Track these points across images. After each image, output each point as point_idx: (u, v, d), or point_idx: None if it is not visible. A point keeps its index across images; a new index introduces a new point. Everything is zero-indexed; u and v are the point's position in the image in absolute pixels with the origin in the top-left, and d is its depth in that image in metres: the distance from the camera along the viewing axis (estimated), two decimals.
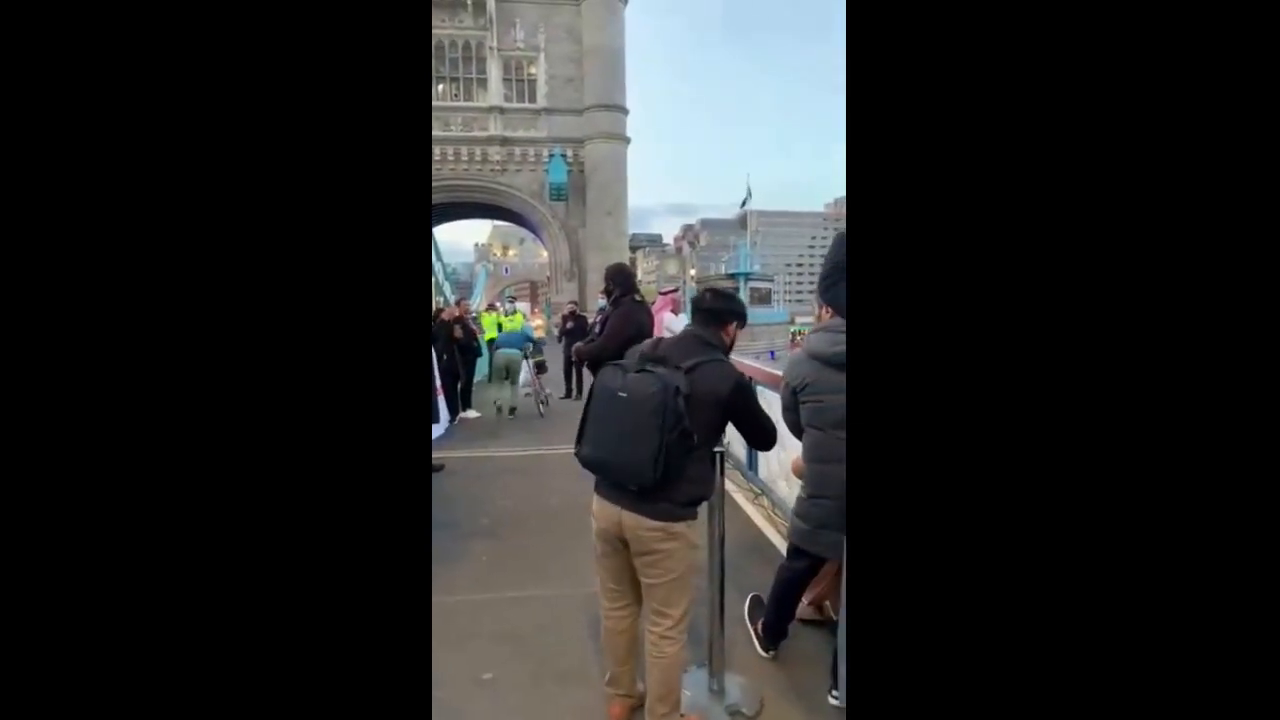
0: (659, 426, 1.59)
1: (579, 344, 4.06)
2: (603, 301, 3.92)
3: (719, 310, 1.88)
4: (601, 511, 1.79)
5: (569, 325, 8.47)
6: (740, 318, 1.92)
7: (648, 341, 1.93)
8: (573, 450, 1.78)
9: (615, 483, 1.72)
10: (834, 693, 1.97)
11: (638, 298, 3.44)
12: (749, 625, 2.41)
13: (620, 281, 3.46)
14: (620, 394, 1.65)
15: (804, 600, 2.52)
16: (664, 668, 1.80)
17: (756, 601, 2.47)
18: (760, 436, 1.87)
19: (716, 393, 1.69)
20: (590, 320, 7.70)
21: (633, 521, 1.71)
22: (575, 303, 11.02)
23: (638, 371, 1.66)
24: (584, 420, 1.77)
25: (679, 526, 1.72)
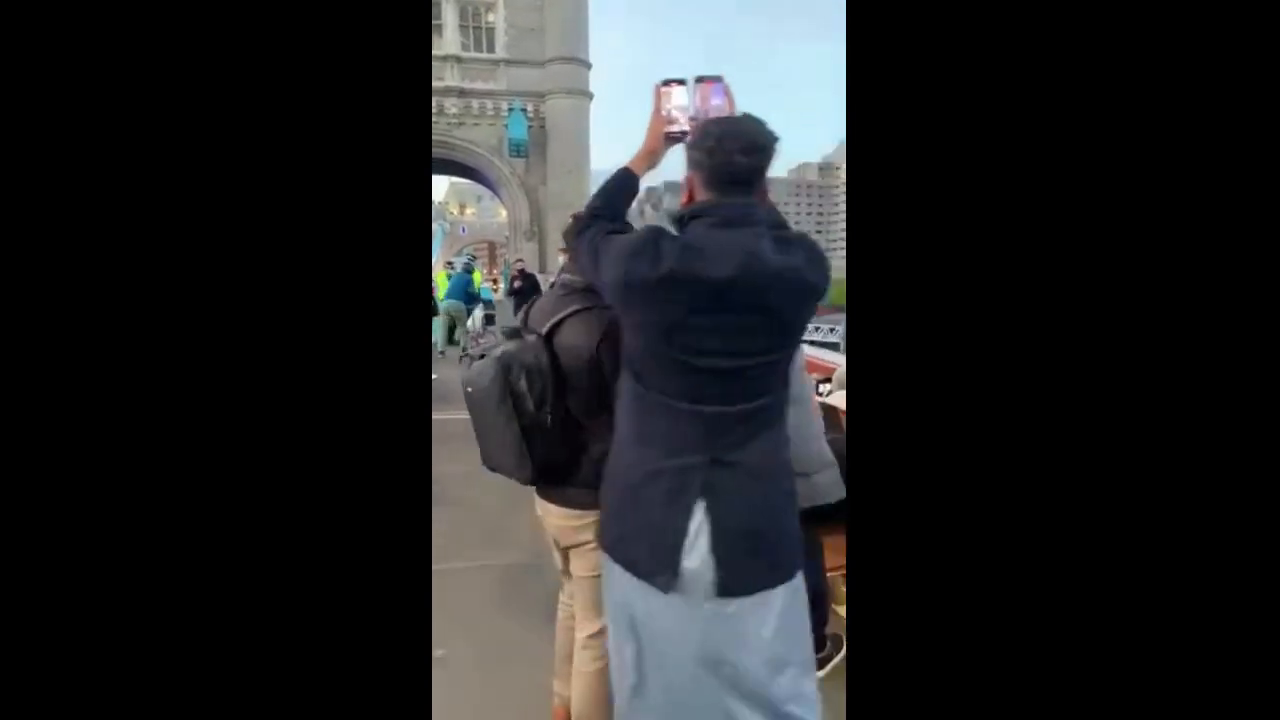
0: (509, 415, 1.33)
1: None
2: (564, 259, 3.71)
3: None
4: (537, 501, 1.57)
5: (517, 284, 8.21)
6: None
7: (537, 300, 1.63)
8: None
9: None
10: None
11: None
12: None
13: None
14: (467, 389, 1.39)
15: None
16: (589, 683, 1.50)
17: None
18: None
19: (579, 350, 1.38)
20: (551, 281, 7.48)
21: (549, 512, 1.50)
22: (522, 260, 10.68)
23: (479, 357, 1.40)
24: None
25: (595, 513, 1.42)
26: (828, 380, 2.39)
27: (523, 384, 1.33)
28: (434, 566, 2.44)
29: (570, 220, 1.43)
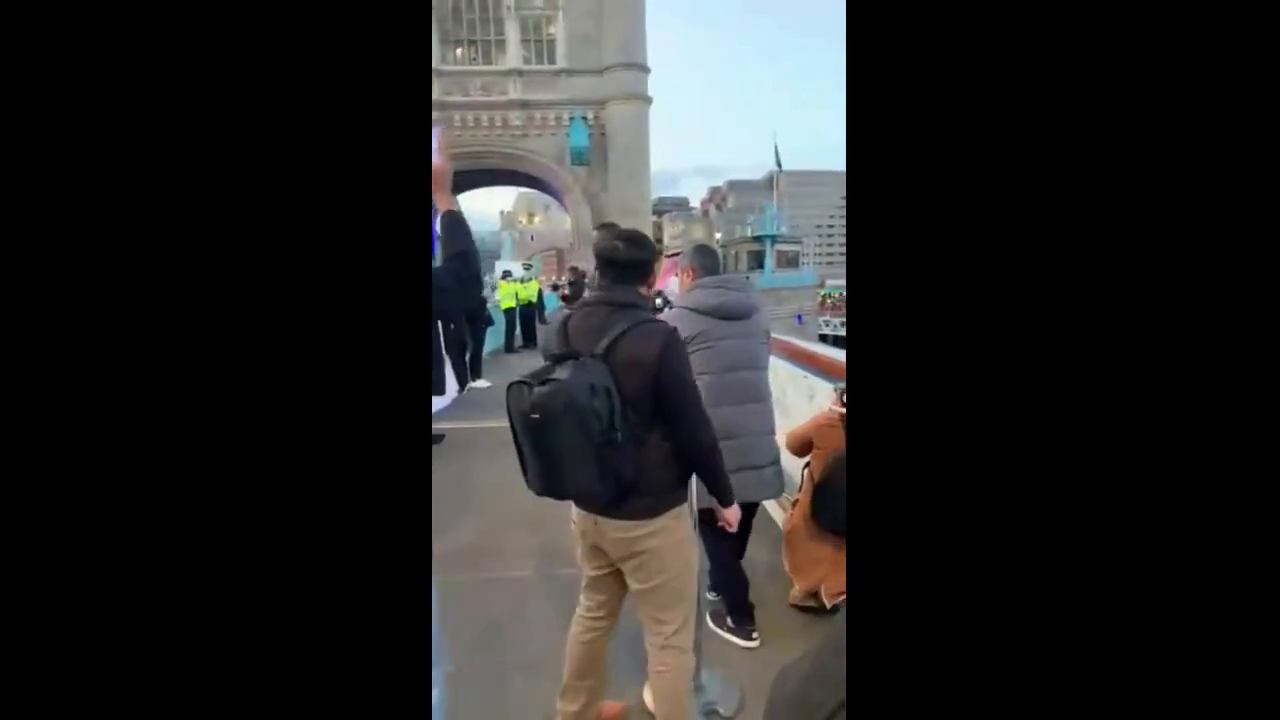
0: (587, 439, 1.33)
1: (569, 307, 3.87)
2: (592, 273, 3.69)
3: (639, 262, 1.52)
4: (578, 517, 1.55)
5: (564, 292, 8.27)
6: (657, 258, 1.62)
7: (555, 321, 1.58)
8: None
9: None
10: None
11: None
12: (720, 632, 2.22)
13: None
14: (533, 416, 1.36)
15: (797, 588, 2.34)
16: (668, 682, 1.55)
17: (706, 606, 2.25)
18: (680, 417, 1.44)
19: (645, 364, 1.40)
20: (562, 293, 7.46)
21: (608, 527, 1.48)
22: (575, 266, 10.77)
23: (543, 384, 1.36)
24: (517, 445, 1.47)
25: (662, 520, 1.47)
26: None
27: (595, 404, 1.34)
28: (459, 577, 2.47)
29: (602, 230, 1.45)
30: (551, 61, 21.18)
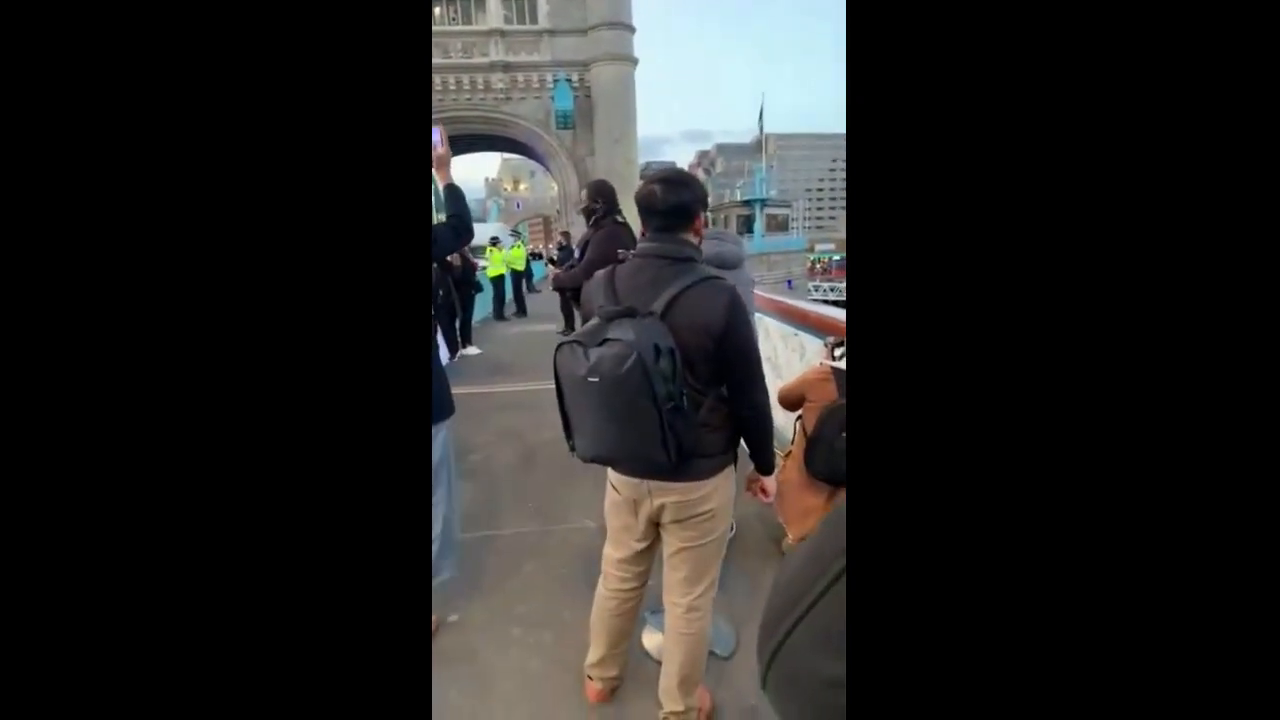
0: (652, 403, 1.22)
1: (558, 271, 3.81)
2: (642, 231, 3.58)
3: (681, 205, 1.37)
4: (624, 485, 1.47)
5: (555, 255, 8.19)
6: (706, 201, 1.44)
7: (599, 275, 1.45)
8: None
9: None
10: None
11: (620, 218, 3.17)
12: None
13: (602, 198, 3.18)
14: (590, 379, 1.24)
15: (790, 536, 2.39)
16: (693, 643, 1.52)
17: None
18: (745, 381, 1.38)
19: (709, 325, 1.29)
20: (566, 245, 7.33)
21: (667, 492, 1.41)
22: (566, 232, 10.67)
23: (600, 345, 1.24)
24: (563, 410, 1.37)
25: (719, 478, 1.42)
26: (841, 344, 2.29)
27: (661, 365, 1.22)
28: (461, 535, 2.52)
29: (649, 183, 1.39)
30: (534, 21, 20.58)
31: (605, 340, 1.24)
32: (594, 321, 1.33)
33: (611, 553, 1.62)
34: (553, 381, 1.38)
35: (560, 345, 1.32)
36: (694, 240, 1.42)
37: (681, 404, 1.27)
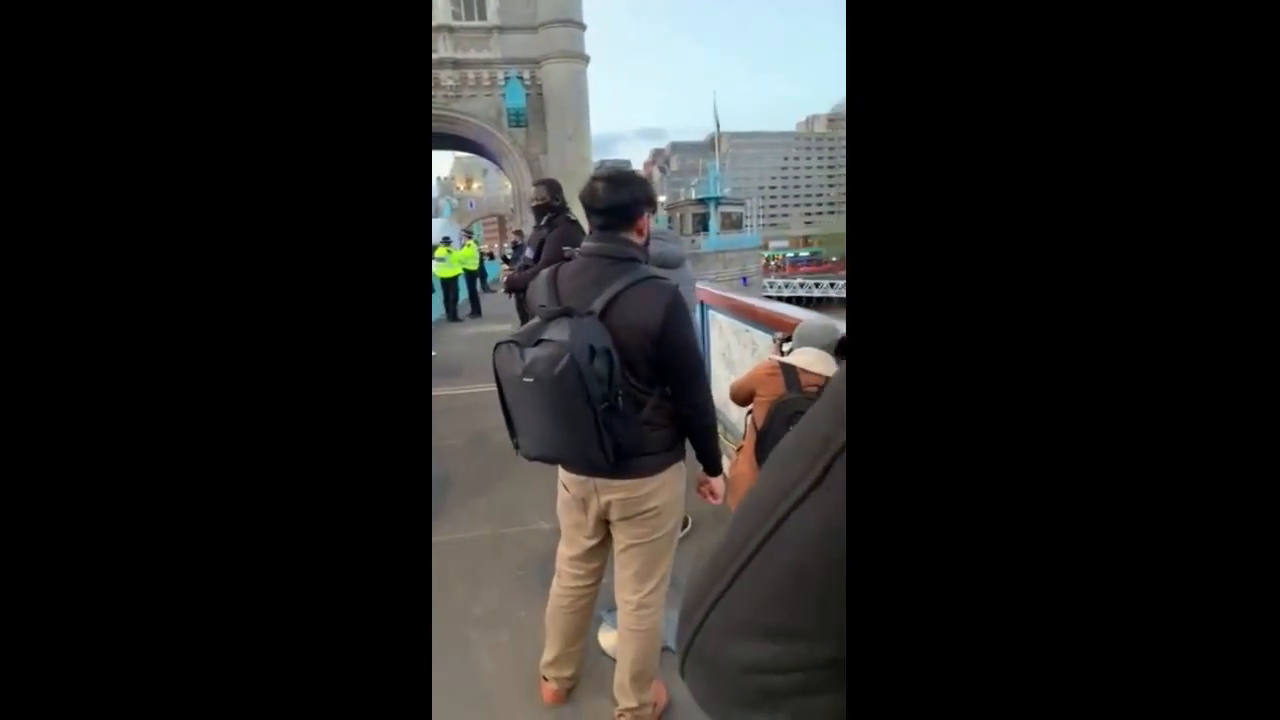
0: (587, 404, 1.22)
1: (512, 272, 3.78)
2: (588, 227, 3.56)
3: (621, 204, 1.36)
4: (573, 483, 1.47)
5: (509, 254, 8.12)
6: (652, 201, 1.43)
7: (542, 275, 1.44)
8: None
9: None
10: None
11: (572, 216, 3.16)
12: None
13: (553, 197, 3.17)
14: (525, 380, 1.24)
15: None
16: (645, 640, 1.52)
17: None
18: (686, 380, 1.39)
19: (647, 326, 1.30)
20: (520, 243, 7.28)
21: (612, 489, 1.42)
22: (520, 231, 10.60)
23: (535, 345, 1.24)
24: (505, 409, 1.36)
25: (665, 474, 1.43)
26: (789, 339, 2.34)
27: (596, 366, 1.22)
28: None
29: (599, 183, 1.39)
30: (483, 17, 20.31)
31: (540, 341, 1.25)
32: (534, 321, 1.33)
33: (565, 550, 1.63)
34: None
35: (498, 345, 1.32)
36: (638, 240, 1.42)
37: (616, 404, 1.27)
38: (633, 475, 1.40)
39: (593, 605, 1.65)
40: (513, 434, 1.38)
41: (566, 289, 1.37)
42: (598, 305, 1.30)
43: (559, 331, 1.24)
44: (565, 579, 1.63)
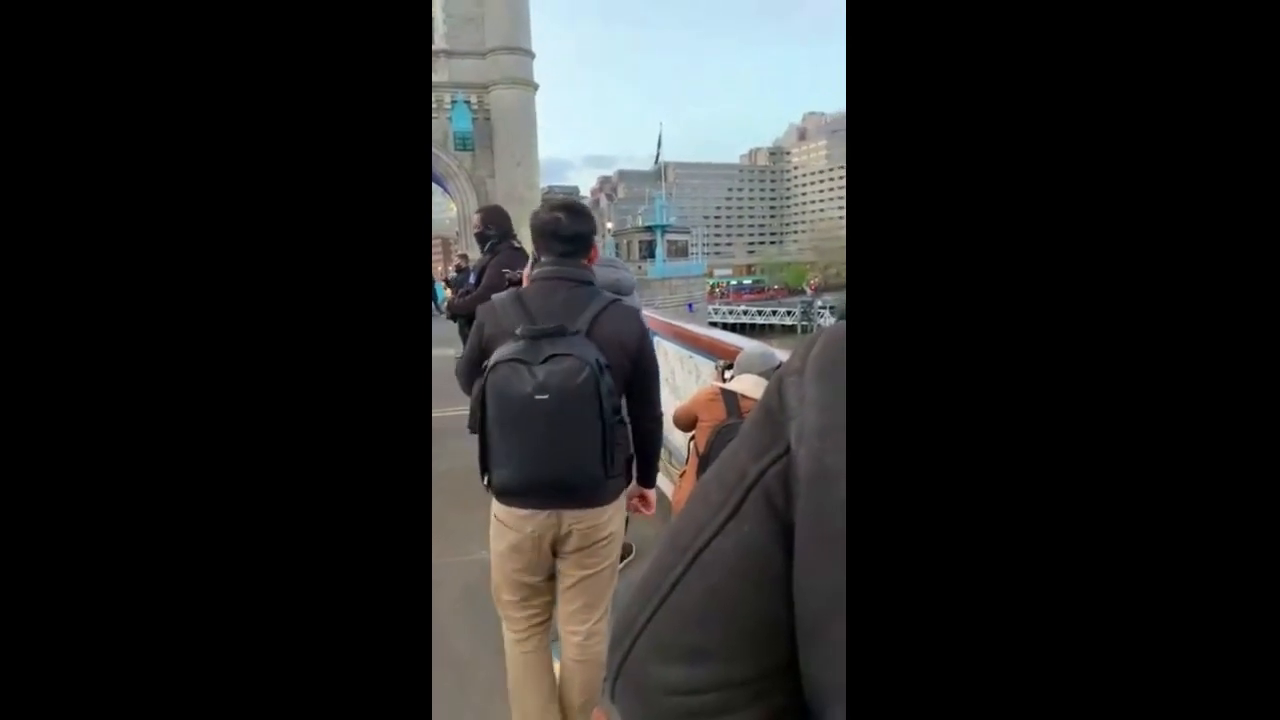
0: (598, 415, 1.25)
1: (453, 297, 3.75)
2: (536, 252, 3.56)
3: (582, 235, 1.44)
4: (533, 520, 1.41)
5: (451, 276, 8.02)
6: (595, 231, 1.56)
7: (502, 298, 1.44)
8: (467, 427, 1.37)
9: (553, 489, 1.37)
10: None
11: (516, 243, 3.18)
12: None
13: (497, 225, 3.18)
14: (539, 397, 1.24)
15: None
16: (593, 669, 1.51)
17: None
18: (653, 395, 1.47)
19: (624, 344, 1.36)
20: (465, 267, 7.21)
21: (580, 519, 1.39)
22: (464, 254, 10.51)
23: (545, 361, 1.25)
24: (485, 439, 1.33)
25: (620, 500, 1.47)
26: (730, 366, 2.40)
27: (605, 379, 1.25)
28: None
29: (554, 213, 1.44)
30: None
31: (552, 356, 1.26)
32: (520, 342, 1.31)
33: (511, 596, 1.54)
34: (451, 408, 1.37)
35: (496, 365, 1.30)
36: (588, 266, 1.50)
37: (624, 418, 1.36)
38: (602, 501, 1.42)
39: (547, 643, 1.59)
40: (484, 466, 1.36)
41: (540, 310, 1.38)
42: (582, 324, 1.33)
43: (568, 346, 1.27)
44: (517, 624, 1.54)
